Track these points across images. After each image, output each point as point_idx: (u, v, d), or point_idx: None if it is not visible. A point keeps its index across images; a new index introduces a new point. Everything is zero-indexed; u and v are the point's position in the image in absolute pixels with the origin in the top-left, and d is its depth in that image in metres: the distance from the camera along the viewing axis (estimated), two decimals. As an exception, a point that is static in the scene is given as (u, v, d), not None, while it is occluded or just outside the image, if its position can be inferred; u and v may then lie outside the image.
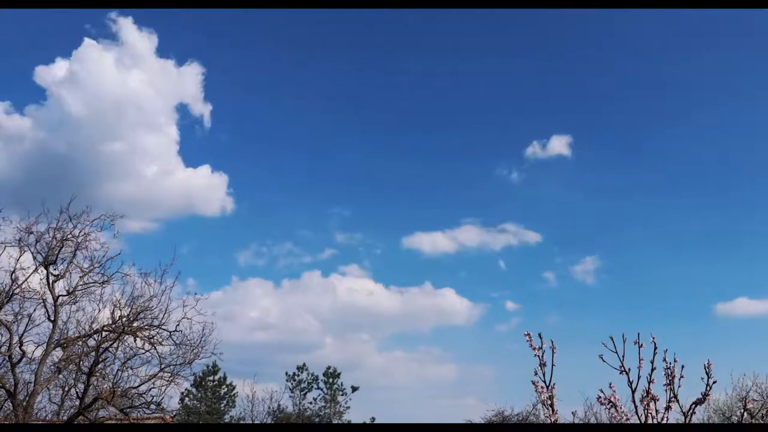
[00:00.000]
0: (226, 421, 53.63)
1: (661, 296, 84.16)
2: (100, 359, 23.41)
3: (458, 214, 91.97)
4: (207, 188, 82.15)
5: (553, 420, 6.52)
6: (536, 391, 6.56)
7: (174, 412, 32.13)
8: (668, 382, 6.42)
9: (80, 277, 24.20)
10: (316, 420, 56.14)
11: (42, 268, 23.65)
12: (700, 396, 6.38)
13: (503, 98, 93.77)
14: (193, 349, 24.12)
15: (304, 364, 58.96)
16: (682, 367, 6.43)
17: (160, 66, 76.80)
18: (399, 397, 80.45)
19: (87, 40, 70.51)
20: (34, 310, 23.76)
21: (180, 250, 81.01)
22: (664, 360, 6.44)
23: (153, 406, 23.55)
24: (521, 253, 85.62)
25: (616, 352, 6.51)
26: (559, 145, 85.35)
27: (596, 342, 6.59)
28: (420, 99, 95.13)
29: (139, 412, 23.63)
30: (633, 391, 6.51)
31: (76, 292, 24.08)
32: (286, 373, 58.35)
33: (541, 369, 6.53)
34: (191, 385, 52.62)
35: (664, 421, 6.42)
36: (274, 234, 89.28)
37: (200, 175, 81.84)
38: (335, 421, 56.66)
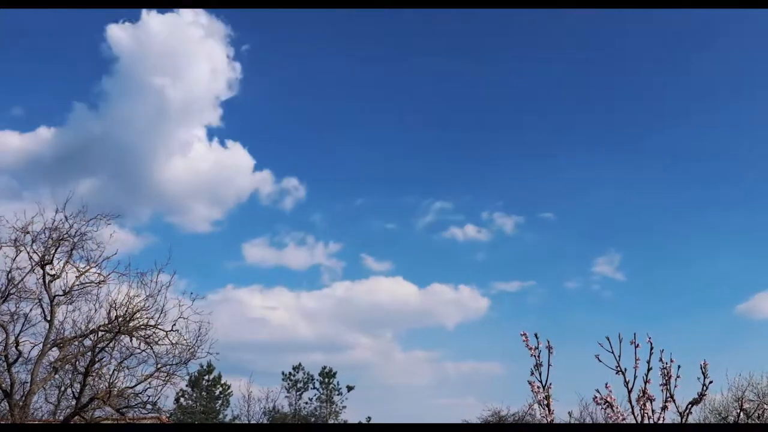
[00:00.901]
0: (224, 421, 53.59)
1: (685, 293, 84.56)
2: (97, 359, 23.39)
3: (483, 207, 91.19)
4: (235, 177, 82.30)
5: (549, 420, 6.54)
6: (532, 391, 6.57)
7: (170, 413, 32.09)
8: (664, 382, 6.45)
9: (76, 277, 24.18)
10: (312, 420, 56.07)
11: (38, 268, 23.62)
12: (697, 396, 6.40)
13: (537, 95, 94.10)
14: (189, 349, 24.14)
15: (299, 364, 58.97)
16: (679, 367, 6.46)
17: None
18: (402, 397, 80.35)
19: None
20: (31, 310, 23.79)
21: (199, 246, 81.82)
22: (661, 360, 6.47)
23: (149, 406, 23.55)
24: (546, 248, 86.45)
25: (613, 352, 6.53)
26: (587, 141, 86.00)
27: (594, 342, 6.62)
28: (448, 96, 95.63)
29: (135, 412, 23.63)
30: (629, 391, 6.54)
31: (73, 292, 24.06)
32: (282, 373, 58.38)
33: (537, 369, 6.55)
34: (186, 385, 52.64)
35: (661, 421, 6.44)
36: (295, 228, 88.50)
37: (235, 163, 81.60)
38: (331, 421, 56.59)
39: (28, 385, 22.84)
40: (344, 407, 58.46)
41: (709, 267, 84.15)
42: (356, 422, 56.36)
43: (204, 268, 79.34)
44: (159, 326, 23.73)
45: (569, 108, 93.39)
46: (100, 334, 23.50)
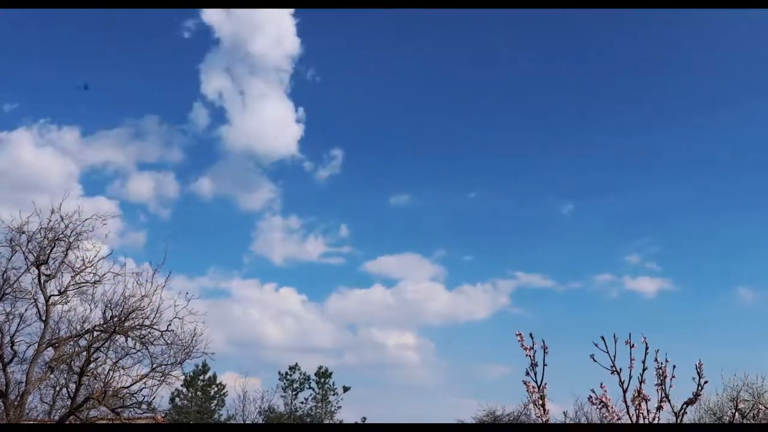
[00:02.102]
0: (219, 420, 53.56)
1: (720, 286, 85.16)
2: (92, 359, 23.37)
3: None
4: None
5: (544, 420, 6.55)
6: (527, 391, 6.57)
7: (165, 413, 32.05)
8: (659, 382, 6.45)
9: (72, 277, 24.16)
10: (308, 420, 56.08)
11: (34, 268, 23.60)
12: (692, 396, 6.41)
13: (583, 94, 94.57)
14: (184, 349, 24.10)
15: (296, 364, 58.99)
16: (674, 367, 6.46)
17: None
18: (409, 397, 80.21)
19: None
20: (26, 309, 23.79)
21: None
22: (656, 360, 6.48)
23: (144, 406, 23.53)
24: (579, 239, 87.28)
25: (608, 352, 6.54)
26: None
27: (590, 342, 6.62)
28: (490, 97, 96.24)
29: (130, 411, 23.60)
30: (624, 391, 6.54)
31: (68, 292, 24.04)
32: (279, 373, 58.40)
33: (533, 369, 6.55)
34: (181, 385, 52.57)
35: (656, 421, 6.45)
36: (319, 223, 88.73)
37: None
38: (326, 421, 56.57)
39: (24, 385, 22.81)
40: (339, 407, 58.56)
41: (747, 265, 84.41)
42: (353, 422, 56.38)
43: (218, 260, 79.22)
44: (154, 326, 23.71)
45: (606, 101, 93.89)
46: (95, 333, 23.48)
